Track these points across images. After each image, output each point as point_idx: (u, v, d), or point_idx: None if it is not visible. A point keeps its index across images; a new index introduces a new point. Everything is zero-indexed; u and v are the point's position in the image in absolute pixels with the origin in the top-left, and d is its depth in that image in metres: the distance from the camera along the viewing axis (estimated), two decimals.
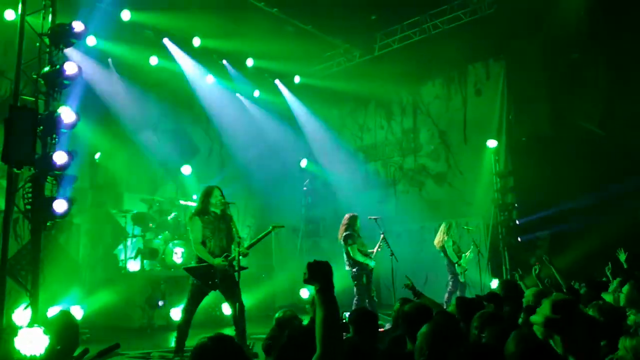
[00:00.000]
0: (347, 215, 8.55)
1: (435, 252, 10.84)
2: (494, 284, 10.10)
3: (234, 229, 6.47)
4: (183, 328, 6.13)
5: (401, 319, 3.36)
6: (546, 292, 5.16)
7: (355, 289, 8.23)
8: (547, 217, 9.93)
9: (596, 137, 9.51)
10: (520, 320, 3.73)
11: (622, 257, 6.64)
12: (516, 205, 10.69)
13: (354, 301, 8.13)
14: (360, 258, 8.22)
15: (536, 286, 5.61)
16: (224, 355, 1.98)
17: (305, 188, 13.42)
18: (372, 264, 8.26)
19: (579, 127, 9.78)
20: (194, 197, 10.73)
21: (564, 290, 5.81)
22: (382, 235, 8.36)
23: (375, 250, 8.39)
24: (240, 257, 6.16)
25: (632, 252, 7.15)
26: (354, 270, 8.22)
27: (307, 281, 2.21)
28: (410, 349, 3.22)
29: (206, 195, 6.51)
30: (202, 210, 6.43)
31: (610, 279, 6.16)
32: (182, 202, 11.01)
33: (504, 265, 10.53)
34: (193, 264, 6.39)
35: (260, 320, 8.39)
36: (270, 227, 6.80)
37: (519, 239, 10.53)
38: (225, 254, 6.31)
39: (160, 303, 9.23)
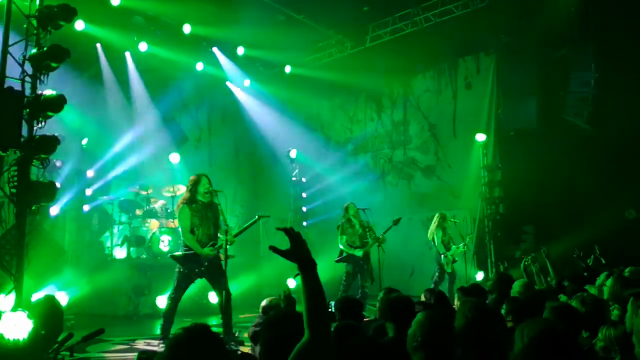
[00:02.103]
0: None
1: (422, 244, 10.89)
2: (479, 276, 10.21)
3: (221, 217, 6.48)
4: (169, 315, 6.14)
5: (386, 307, 3.39)
6: (533, 284, 5.23)
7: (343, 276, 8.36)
8: (533, 211, 10.02)
9: (584, 134, 9.58)
10: (503, 311, 3.76)
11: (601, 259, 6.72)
12: (502, 198, 10.78)
13: (340, 287, 8.25)
14: (345, 248, 8.29)
15: (522, 278, 5.66)
16: (201, 346, 1.90)
17: (294, 179, 13.38)
18: (358, 254, 8.29)
19: (567, 123, 9.84)
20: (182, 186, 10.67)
21: (553, 284, 5.88)
22: (397, 220, 8.50)
23: (384, 233, 8.42)
24: (227, 245, 6.17)
25: (618, 248, 7.25)
26: (340, 257, 8.31)
27: (289, 255, 2.06)
28: (390, 336, 3.25)
29: (194, 183, 6.49)
30: (190, 199, 6.41)
31: (589, 265, 6.26)
32: (169, 190, 10.92)
33: (490, 258, 10.63)
34: (181, 251, 6.38)
35: (247, 308, 8.40)
36: (256, 216, 6.82)
37: (505, 233, 10.62)
38: (212, 242, 6.33)
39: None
